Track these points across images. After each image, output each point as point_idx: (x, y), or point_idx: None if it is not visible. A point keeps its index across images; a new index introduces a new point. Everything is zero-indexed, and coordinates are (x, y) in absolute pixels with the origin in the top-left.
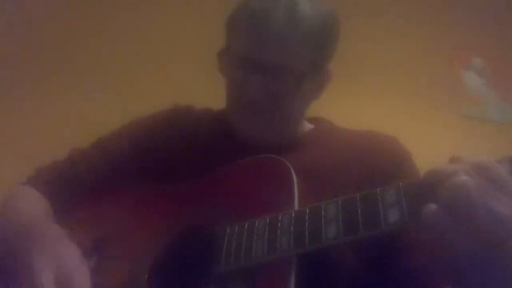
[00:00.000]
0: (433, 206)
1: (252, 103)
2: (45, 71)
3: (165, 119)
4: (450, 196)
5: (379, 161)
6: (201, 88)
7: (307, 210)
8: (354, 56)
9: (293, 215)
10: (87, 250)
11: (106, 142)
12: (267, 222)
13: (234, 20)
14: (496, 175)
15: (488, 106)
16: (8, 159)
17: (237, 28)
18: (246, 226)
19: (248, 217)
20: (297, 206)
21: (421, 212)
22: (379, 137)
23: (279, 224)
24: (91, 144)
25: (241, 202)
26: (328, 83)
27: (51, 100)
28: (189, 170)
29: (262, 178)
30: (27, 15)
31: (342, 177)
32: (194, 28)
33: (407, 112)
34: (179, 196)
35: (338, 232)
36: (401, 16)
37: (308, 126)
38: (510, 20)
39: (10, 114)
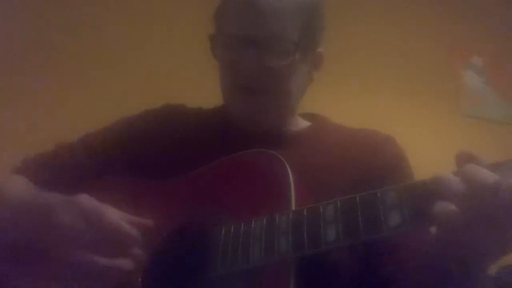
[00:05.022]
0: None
1: (248, 81)
2: (42, 69)
3: (155, 117)
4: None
5: (375, 160)
6: (194, 88)
7: (305, 211)
8: (353, 55)
9: (290, 217)
10: None
11: (92, 138)
12: (264, 223)
13: (225, 3)
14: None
15: (488, 104)
16: (5, 157)
17: (229, 9)
18: (242, 227)
19: (243, 214)
20: (293, 204)
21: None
22: (376, 136)
23: (276, 226)
24: (78, 139)
25: (235, 198)
26: (320, 66)
27: (48, 98)
28: (180, 168)
29: (257, 174)
30: (25, 14)
31: (338, 175)
32: (188, 27)
33: (407, 111)
34: (171, 194)
35: (337, 235)
36: (401, 15)
37: (305, 123)
38: (509, 18)
39: (7, 114)
